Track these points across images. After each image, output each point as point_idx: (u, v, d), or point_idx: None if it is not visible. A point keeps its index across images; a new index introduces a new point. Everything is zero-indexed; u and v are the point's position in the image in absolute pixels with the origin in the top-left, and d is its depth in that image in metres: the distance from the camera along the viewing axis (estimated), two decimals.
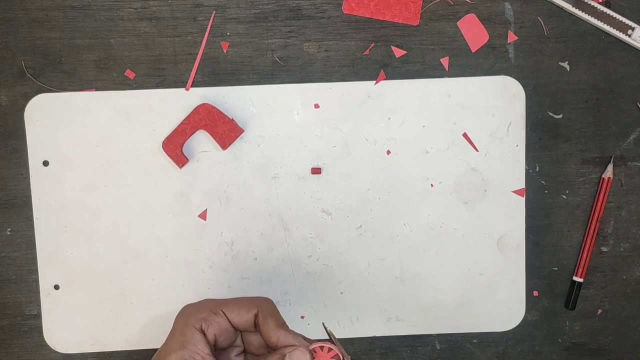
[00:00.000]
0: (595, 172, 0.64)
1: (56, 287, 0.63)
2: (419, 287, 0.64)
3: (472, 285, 0.64)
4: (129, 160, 0.62)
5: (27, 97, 0.61)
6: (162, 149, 0.61)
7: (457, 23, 0.62)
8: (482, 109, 0.63)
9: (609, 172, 0.64)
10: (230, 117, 0.61)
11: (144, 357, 0.64)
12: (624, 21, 0.62)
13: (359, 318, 0.64)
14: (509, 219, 0.63)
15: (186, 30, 0.62)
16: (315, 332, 0.53)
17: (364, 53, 0.62)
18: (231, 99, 0.62)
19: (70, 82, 0.62)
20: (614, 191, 0.65)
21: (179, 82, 0.62)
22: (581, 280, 0.64)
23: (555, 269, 0.65)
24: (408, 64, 0.63)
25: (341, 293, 0.64)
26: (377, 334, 0.64)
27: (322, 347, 0.48)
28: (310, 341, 0.49)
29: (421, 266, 0.64)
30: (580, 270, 0.64)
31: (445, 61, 0.63)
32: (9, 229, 0.63)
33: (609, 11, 0.62)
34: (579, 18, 0.62)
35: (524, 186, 0.63)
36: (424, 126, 0.63)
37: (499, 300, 0.64)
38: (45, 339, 0.63)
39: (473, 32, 0.62)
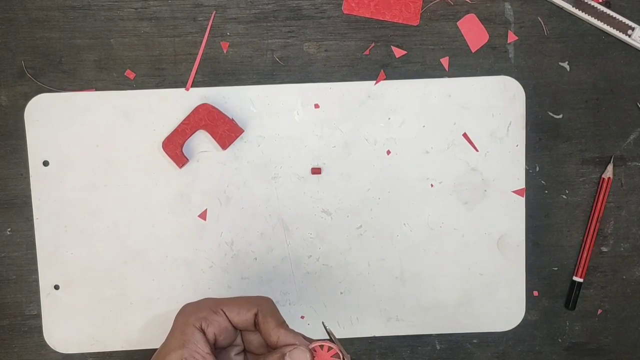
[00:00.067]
0: (595, 172, 0.64)
1: (56, 287, 0.63)
2: (419, 287, 0.64)
3: (472, 285, 0.64)
4: (129, 160, 0.62)
5: (27, 97, 0.61)
6: (162, 149, 0.61)
7: (457, 23, 0.62)
8: (482, 109, 0.63)
9: (609, 172, 0.64)
10: (230, 117, 0.61)
11: (144, 357, 0.64)
12: (624, 21, 0.62)
13: (359, 318, 0.64)
14: (509, 219, 0.63)
15: (186, 30, 0.62)
16: (315, 332, 0.53)
17: (364, 53, 0.62)
18: (231, 99, 0.62)
19: (70, 82, 0.62)
20: (614, 191, 0.65)
21: (179, 82, 0.62)
22: (581, 280, 0.65)
23: (555, 269, 0.65)
24: (408, 64, 0.63)
25: (341, 293, 0.64)
26: (377, 334, 0.64)
27: (322, 346, 0.48)
28: (310, 340, 0.49)
29: (421, 266, 0.64)
30: (580, 270, 0.64)
31: (445, 61, 0.63)
32: (9, 229, 0.63)
33: (609, 11, 0.62)
34: (579, 18, 0.62)
35: (524, 186, 0.63)
36: (424, 126, 0.63)
37: (499, 300, 0.64)
38: (45, 339, 0.63)
39: (473, 32, 0.62)
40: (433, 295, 0.64)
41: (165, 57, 0.62)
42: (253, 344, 0.51)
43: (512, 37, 0.63)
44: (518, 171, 0.63)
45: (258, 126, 0.62)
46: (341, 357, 0.48)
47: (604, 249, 0.65)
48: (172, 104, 0.62)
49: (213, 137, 0.61)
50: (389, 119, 0.62)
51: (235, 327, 0.50)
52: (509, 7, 0.62)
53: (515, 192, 0.63)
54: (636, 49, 0.63)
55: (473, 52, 0.63)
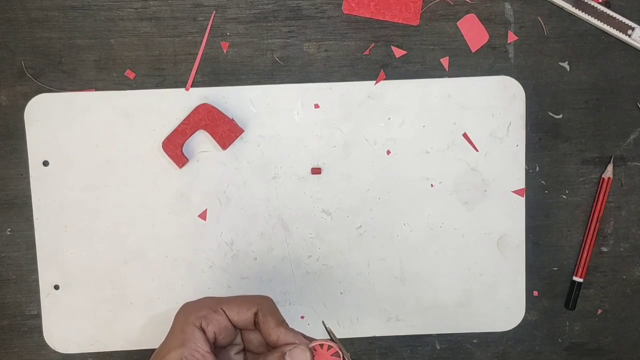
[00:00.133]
0: (595, 172, 0.64)
1: (56, 287, 0.63)
2: (419, 287, 0.64)
3: (472, 285, 0.64)
4: (129, 160, 0.62)
5: (27, 97, 0.61)
6: (162, 149, 0.61)
7: (457, 23, 0.62)
8: (482, 109, 0.63)
9: (609, 172, 0.64)
10: (230, 117, 0.61)
11: (144, 357, 0.64)
12: (624, 21, 0.62)
13: (359, 318, 0.64)
14: (509, 219, 0.63)
15: (186, 30, 0.62)
16: (316, 332, 0.53)
17: (364, 53, 0.62)
18: (231, 99, 0.62)
19: (70, 82, 0.62)
20: (614, 191, 0.65)
21: (179, 82, 0.62)
22: (581, 280, 0.65)
23: (555, 269, 0.65)
24: (408, 64, 0.63)
25: (341, 293, 0.64)
26: (377, 334, 0.64)
27: (322, 345, 0.48)
28: (310, 339, 0.49)
29: (421, 266, 0.64)
30: (580, 270, 0.64)
31: (445, 61, 0.63)
32: (9, 229, 0.63)
33: (609, 11, 0.62)
34: (579, 18, 0.62)
35: (524, 186, 0.63)
36: (424, 126, 0.63)
37: (499, 300, 0.64)
38: (45, 339, 0.63)
39: (473, 32, 0.62)
40: (433, 295, 0.64)
41: (165, 57, 0.62)
42: (253, 343, 0.51)
43: (512, 37, 0.63)
44: (518, 171, 0.63)
45: (258, 126, 0.62)
46: (341, 356, 0.48)
47: (604, 249, 0.65)
48: (172, 104, 0.62)
49: (213, 137, 0.61)
50: (389, 119, 0.62)
51: (235, 326, 0.50)
52: (509, 7, 0.62)
53: (515, 192, 0.63)
54: (636, 49, 0.63)
55: (473, 52, 0.63)
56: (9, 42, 0.61)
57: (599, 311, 0.66)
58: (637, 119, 0.64)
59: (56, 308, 0.63)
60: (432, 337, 0.65)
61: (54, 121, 0.61)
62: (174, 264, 0.63)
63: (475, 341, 0.65)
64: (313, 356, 0.48)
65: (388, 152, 0.63)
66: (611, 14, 0.62)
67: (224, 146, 0.61)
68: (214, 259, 0.63)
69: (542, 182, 0.64)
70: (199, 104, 0.61)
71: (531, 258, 0.65)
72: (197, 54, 0.62)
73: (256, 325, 0.50)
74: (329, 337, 0.49)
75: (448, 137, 0.63)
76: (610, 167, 0.64)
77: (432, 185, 0.63)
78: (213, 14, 0.62)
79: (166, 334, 0.50)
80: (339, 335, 0.64)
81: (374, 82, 0.62)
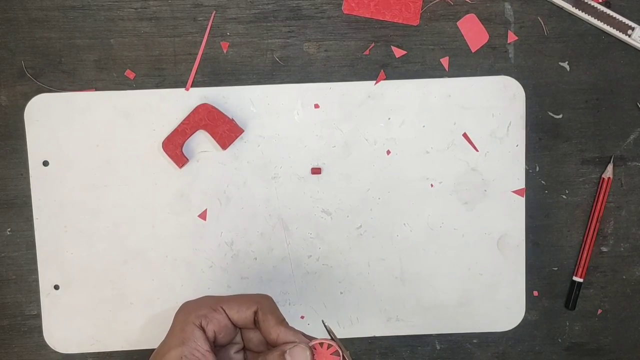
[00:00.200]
0: (595, 172, 0.64)
1: (56, 287, 0.63)
2: (419, 287, 0.64)
3: (472, 285, 0.64)
4: (129, 160, 0.62)
5: (27, 97, 0.61)
6: (162, 149, 0.61)
7: (457, 23, 0.62)
8: (482, 109, 0.63)
9: (609, 172, 0.64)
10: (230, 117, 0.61)
11: (144, 357, 0.64)
12: (624, 21, 0.62)
13: (359, 318, 0.64)
14: (509, 219, 0.63)
15: (186, 30, 0.62)
16: (316, 333, 0.53)
17: (364, 53, 0.62)
18: (231, 99, 0.62)
19: (70, 82, 0.62)
20: (614, 191, 0.65)
21: (179, 82, 0.62)
22: (581, 280, 0.65)
23: (555, 269, 0.65)
24: (408, 64, 0.63)
25: (341, 293, 0.64)
26: (377, 334, 0.64)
27: (322, 344, 0.48)
28: (310, 338, 0.49)
29: (421, 266, 0.64)
30: (580, 270, 0.64)
31: (445, 61, 0.63)
32: (9, 229, 0.63)
33: (609, 11, 0.62)
34: (579, 18, 0.62)
35: (524, 186, 0.63)
36: (424, 126, 0.63)
37: (499, 300, 0.64)
38: (45, 339, 0.63)
39: (473, 32, 0.62)
40: (433, 295, 0.64)
41: (165, 57, 0.62)
42: (253, 341, 0.51)
43: (512, 37, 0.63)
44: (518, 171, 0.63)
45: (258, 126, 0.62)
46: (341, 354, 0.48)
47: (604, 249, 0.65)
48: (172, 104, 0.62)
49: (213, 137, 0.61)
50: (389, 119, 0.62)
51: (235, 325, 0.50)
52: (509, 7, 0.62)
53: (515, 192, 0.63)
54: (636, 49, 0.63)
55: (473, 52, 0.63)
56: (9, 42, 0.61)
57: (599, 311, 0.66)
58: (637, 119, 0.64)
59: (56, 308, 0.63)
60: (432, 337, 0.65)
61: (54, 121, 0.61)
62: (174, 264, 0.63)
63: (475, 341, 0.65)
64: (313, 355, 0.48)
65: (388, 152, 0.63)
66: (611, 14, 0.62)
67: (224, 146, 0.61)
68: (214, 259, 0.63)
69: (542, 182, 0.64)
70: (199, 104, 0.61)
71: (531, 258, 0.65)
72: (197, 54, 0.62)
73: (256, 324, 0.50)
74: (329, 337, 0.49)
75: (448, 137, 0.63)
76: (610, 167, 0.64)
77: (432, 185, 0.63)
78: (213, 14, 0.62)
79: (166, 333, 0.50)
80: (339, 335, 0.64)
81: (374, 82, 0.62)
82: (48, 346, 0.63)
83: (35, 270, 0.63)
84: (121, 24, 0.61)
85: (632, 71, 0.63)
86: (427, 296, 0.64)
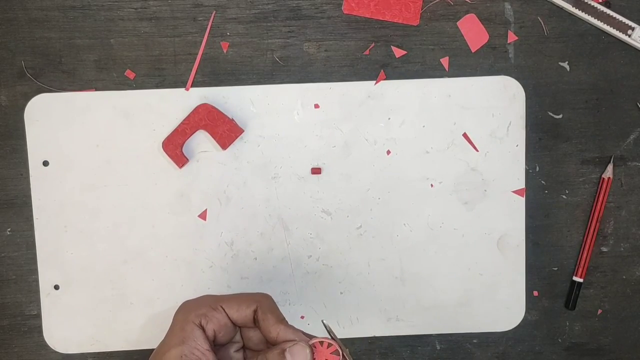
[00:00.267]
0: (595, 172, 0.64)
1: (56, 287, 0.63)
2: (419, 287, 0.64)
3: (472, 285, 0.64)
4: (129, 160, 0.62)
5: (27, 97, 0.61)
6: (162, 149, 0.61)
7: (457, 23, 0.62)
8: (482, 109, 0.63)
9: (609, 172, 0.64)
10: (230, 117, 0.61)
11: (144, 357, 0.64)
12: (624, 21, 0.62)
13: (359, 318, 0.64)
14: (509, 219, 0.63)
15: (186, 30, 0.62)
16: (316, 332, 0.53)
17: (364, 53, 0.62)
18: (231, 99, 0.62)
19: (70, 82, 0.62)
20: (614, 191, 0.65)
21: (179, 82, 0.62)
22: (581, 280, 0.64)
23: (555, 269, 0.65)
24: (408, 64, 0.63)
25: (341, 293, 0.64)
26: (377, 334, 0.64)
27: (321, 343, 0.49)
28: (310, 337, 0.49)
29: (421, 266, 0.64)
30: (580, 270, 0.64)
31: (445, 61, 0.63)
32: (9, 229, 0.63)
33: (609, 11, 0.62)
34: (579, 18, 0.62)
35: (524, 186, 0.63)
36: (424, 126, 0.63)
37: (499, 300, 0.64)
38: (45, 339, 0.63)
39: (473, 32, 0.62)
40: (433, 295, 0.64)
41: (165, 57, 0.62)
42: (252, 340, 0.52)
43: (512, 37, 0.63)
44: (518, 171, 0.63)
45: (258, 126, 0.62)
46: (340, 353, 0.48)
47: (604, 249, 0.65)
48: (172, 104, 0.62)
49: (213, 137, 0.61)
50: (389, 119, 0.62)
51: (234, 324, 0.50)
52: (509, 7, 0.62)
53: (515, 192, 0.63)
54: (636, 49, 0.63)
55: (473, 52, 0.63)
56: (9, 42, 0.61)
57: (599, 311, 0.66)
58: (637, 119, 0.64)
59: (56, 308, 0.63)
60: (432, 337, 0.65)
61: (54, 121, 0.61)
62: (174, 264, 0.63)
63: (475, 341, 0.65)
64: (313, 353, 0.48)
65: (388, 152, 0.63)
66: (611, 14, 0.62)
67: (224, 146, 0.61)
68: (214, 259, 0.63)
69: (542, 182, 0.64)
70: (199, 104, 0.61)
71: (531, 258, 0.65)
72: (197, 54, 0.62)
73: (256, 322, 0.50)
74: (329, 336, 0.49)
75: (448, 137, 0.63)
76: (610, 167, 0.64)
77: (432, 185, 0.63)
78: (213, 14, 0.62)
79: (166, 333, 0.50)
80: (339, 335, 0.63)
81: (374, 82, 0.62)
82: (48, 346, 0.63)
83: (35, 270, 0.63)
84: (121, 24, 0.61)
85: (632, 71, 0.63)
86: (427, 296, 0.64)
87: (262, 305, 0.50)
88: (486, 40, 0.63)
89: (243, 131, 0.61)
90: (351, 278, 0.64)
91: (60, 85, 0.62)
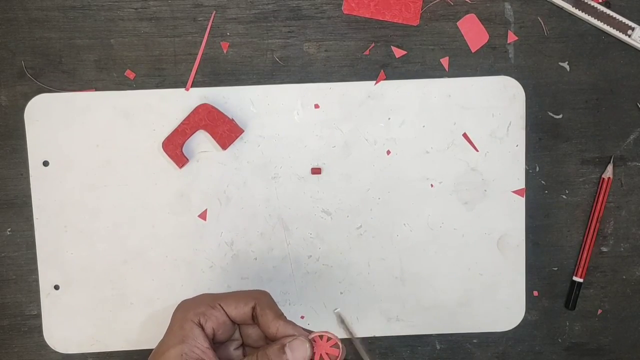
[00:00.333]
0: (595, 172, 0.64)
1: (56, 287, 0.63)
2: (419, 287, 0.64)
3: (472, 285, 0.64)
4: (129, 160, 0.62)
5: (27, 97, 0.61)
6: (162, 149, 0.61)
7: (457, 23, 0.62)
8: (482, 109, 0.63)
9: (609, 172, 0.64)
10: (230, 117, 0.61)
11: (144, 357, 0.64)
12: (624, 21, 0.62)
13: (359, 318, 0.64)
14: (509, 219, 0.63)
15: (186, 30, 0.62)
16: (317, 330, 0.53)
17: (364, 53, 0.62)
18: (231, 99, 0.62)
19: (70, 82, 0.62)
20: (614, 191, 0.65)
21: (179, 82, 0.62)
22: (581, 280, 0.64)
23: (555, 269, 0.65)
24: (408, 64, 0.63)
25: (341, 293, 0.64)
26: (377, 334, 0.64)
27: (321, 337, 0.49)
28: (310, 332, 0.49)
29: (421, 266, 0.64)
30: (580, 270, 0.64)
31: (445, 61, 0.63)
32: (9, 229, 0.63)
33: (609, 11, 0.62)
34: (579, 18, 0.62)
35: (524, 186, 0.63)
36: (424, 126, 0.63)
37: (499, 300, 0.64)
38: (45, 339, 0.63)
39: (473, 32, 0.62)
40: (433, 295, 0.64)
41: (165, 57, 0.62)
42: (252, 337, 0.52)
43: (512, 37, 0.63)
44: (518, 171, 0.63)
45: (258, 126, 0.62)
46: (340, 347, 0.48)
47: (604, 249, 0.65)
48: (172, 104, 0.62)
49: (213, 137, 0.61)
50: (389, 119, 0.62)
51: (233, 322, 0.50)
52: (509, 7, 0.62)
53: (515, 192, 0.63)
54: (636, 49, 0.63)
55: (473, 52, 0.63)
56: (9, 42, 0.61)
57: (599, 311, 0.66)
58: (637, 119, 0.64)
59: (56, 308, 0.63)
60: (432, 337, 0.65)
61: (54, 121, 0.61)
62: (174, 264, 0.63)
63: (475, 341, 0.65)
64: (313, 347, 0.48)
65: (388, 152, 0.63)
66: (611, 14, 0.62)
67: (224, 146, 0.61)
68: (214, 259, 0.63)
69: (542, 182, 0.64)
70: (199, 104, 0.61)
71: (531, 258, 0.65)
72: (197, 54, 0.62)
73: (254, 319, 0.50)
74: (342, 327, 0.49)
75: (448, 137, 0.63)
76: (610, 167, 0.64)
77: (432, 185, 0.63)
78: (213, 14, 0.62)
79: (165, 333, 0.50)
80: (340, 335, 0.63)
81: (374, 82, 0.62)
82: (48, 346, 0.63)
83: (35, 270, 0.63)
84: (121, 24, 0.61)
85: (632, 71, 0.63)
86: (427, 296, 0.64)
87: (261, 301, 0.50)
88: (486, 41, 0.63)
89: (243, 131, 0.61)
90: (351, 278, 0.64)
91: (60, 85, 0.62)
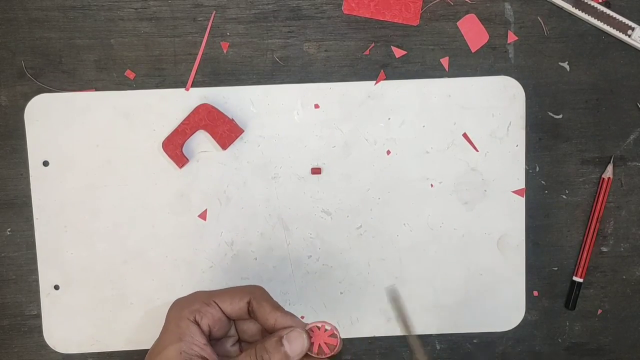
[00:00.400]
0: (595, 172, 0.64)
1: (56, 287, 0.63)
2: (419, 287, 0.64)
3: (472, 285, 0.64)
4: (129, 160, 0.62)
5: (27, 97, 0.61)
6: (162, 149, 0.61)
7: (457, 23, 0.62)
8: (482, 109, 0.63)
9: (609, 172, 0.64)
10: (230, 117, 0.61)
11: (144, 357, 0.64)
12: (624, 21, 0.62)
13: (359, 318, 0.64)
14: (509, 219, 0.63)
15: (186, 30, 0.62)
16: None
17: (364, 53, 0.62)
18: (231, 99, 0.62)
19: (70, 82, 0.62)
20: (614, 191, 0.65)
21: (179, 82, 0.62)
22: (581, 280, 0.64)
23: (555, 269, 0.65)
24: (408, 64, 0.63)
25: (341, 293, 0.64)
26: (377, 334, 0.64)
27: (319, 327, 0.49)
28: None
29: (421, 266, 0.64)
30: (580, 270, 0.64)
31: (445, 61, 0.63)
32: (9, 229, 0.63)
33: (609, 11, 0.62)
34: (579, 18, 0.62)
35: (524, 186, 0.63)
36: (424, 126, 0.63)
37: (499, 300, 0.64)
38: (45, 339, 0.63)
39: (473, 32, 0.62)
40: (433, 295, 0.64)
41: (165, 57, 0.62)
42: (248, 333, 0.52)
43: (512, 37, 0.63)
44: (518, 171, 0.63)
45: (258, 126, 0.62)
46: (338, 336, 0.48)
47: (604, 249, 0.65)
48: (172, 104, 0.62)
49: (213, 137, 0.61)
50: (389, 119, 0.62)
51: (228, 318, 0.50)
52: (509, 7, 0.62)
53: (515, 192, 0.63)
54: (636, 49, 0.63)
55: (473, 52, 0.63)
56: (9, 42, 0.61)
57: (599, 311, 0.66)
58: (637, 119, 0.64)
59: (56, 308, 0.63)
60: (432, 337, 0.65)
61: (54, 121, 0.61)
62: (174, 264, 0.63)
63: (475, 341, 0.65)
64: (310, 338, 0.48)
65: (388, 152, 0.63)
66: (611, 14, 0.62)
67: (224, 146, 0.61)
68: (214, 259, 0.63)
69: (542, 182, 0.64)
70: (199, 104, 0.61)
71: (531, 258, 0.65)
72: (197, 54, 0.62)
73: (250, 314, 0.50)
74: (393, 305, 0.49)
75: (448, 137, 0.63)
76: (610, 167, 0.64)
77: (432, 185, 0.63)
78: (213, 14, 0.62)
79: (160, 332, 0.50)
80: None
81: (374, 82, 0.62)
82: (48, 346, 0.63)
83: (35, 270, 0.63)
84: (121, 24, 0.61)
85: (632, 71, 0.63)
86: (427, 296, 0.64)
87: (256, 295, 0.50)
88: (486, 41, 0.63)
89: (243, 131, 0.61)
90: (351, 278, 0.64)
91: (60, 85, 0.62)
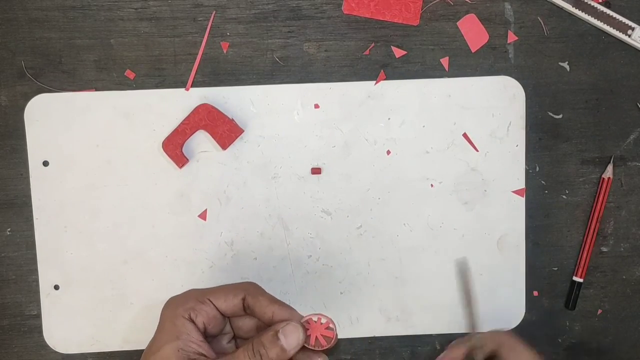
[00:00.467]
0: (595, 172, 0.64)
1: (56, 287, 0.63)
2: (419, 287, 0.64)
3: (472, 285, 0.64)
4: (129, 160, 0.62)
5: (27, 97, 0.61)
6: (162, 149, 0.61)
7: (457, 23, 0.62)
8: (482, 109, 0.63)
9: (609, 172, 0.64)
10: (230, 117, 0.61)
11: None
12: (624, 21, 0.62)
13: (359, 318, 0.64)
14: (509, 219, 0.63)
15: (186, 30, 0.62)
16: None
17: (364, 53, 0.62)
18: (231, 99, 0.62)
19: (70, 82, 0.62)
20: (614, 191, 0.65)
21: (179, 82, 0.62)
22: (581, 280, 0.64)
23: (555, 269, 0.65)
24: (408, 64, 0.63)
25: (341, 293, 0.64)
26: (377, 334, 0.64)
27: (315, 320, 0.49)
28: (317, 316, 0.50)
29: (421, 266, 0.64)
30: (580, 270, 0.64)
31: (445, 61, 0.63)
32: (9, 229, 0.63)
33: (609, 11, 0.62)
34: (579, 18, 0.62)
35: (524, 186, 0.63)
36: (424, 126, 0.63)
37: (499, 300, 0.64)
38: (45, 339, 0.63)
39: (473, 32, 0.62)
40: (433, 295, 0.64)
41: (165, 57, 0.62)
42: (243, 329, 0.52)
43: (512, 37, 0.63)
44: (518, 171, 0.63)
45: (258, 126, 0.62)
46: (334, 328, 0.48)
47: (604, 249, 0.65)
48: (172, 104, 0.62)
49: (213, 137, 0.61)
50: (389, 119, 0.62)
51: (223, 315, 0.50)
52: (509, 7, 0.62)
53: (515, 192, 0.63)
54: (636, 49, 0.63)
55: (473, 52, 0.63)
56: (9, 42, 0.61)
57: (599, 311, 0.66)
58: (637, 119, 0.64)
59: (56, 308, 0.63)
60: (432, 337, 0.65)
61: (54, 121, 0.61)
62: (174, 264, 0.63)
63: None
64: (306, 330, 0.48)
65: (388, 152, 0.63)
66: (611, 14, 0.62)
67: (224, 146, 0.61)
68: (214, 259, 0.63)
69: (542, 182, 0.64)
70: (199, 104, 0.61)
71: (531, 258, 0.65)
72: (197, 54, 0.62)
73: (246, 310, 0.50)
74: (461, 280, 0.48)
75: (448, 137, 0.63)
76: (610, 167, 0.64)
77: (432, 185, 0.63)
78: (213, 14, 0.62)
79: (156, 331, 0.50)
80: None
81: (374, 82, 0.62)
82: (48, 346, 0.63)
83: (35, 270, 0.63)
84: (121, 24, 0.61)
85: (632, 71, 0.63)
86: (427, 296, 0.64)
87: (250, 291, 0.50)
88: (486, 41, 0.63)
89: (243, 131, 0.61)
90: (351, 278, 0.64)
91: (60, 85, 0.62)
